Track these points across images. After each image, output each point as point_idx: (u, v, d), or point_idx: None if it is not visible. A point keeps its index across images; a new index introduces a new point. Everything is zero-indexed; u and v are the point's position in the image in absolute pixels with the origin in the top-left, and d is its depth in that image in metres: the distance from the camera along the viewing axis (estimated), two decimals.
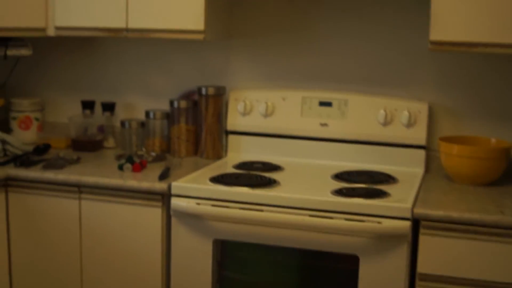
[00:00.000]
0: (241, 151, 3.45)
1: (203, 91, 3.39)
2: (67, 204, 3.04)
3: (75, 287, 3.09)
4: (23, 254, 3.15)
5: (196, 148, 3.46)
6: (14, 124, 3.66)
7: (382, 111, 3.24)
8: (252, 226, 2.79)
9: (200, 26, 3.09)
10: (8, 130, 3.64)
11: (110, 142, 3.61)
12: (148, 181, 2.94)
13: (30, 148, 3.40)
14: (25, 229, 3.12)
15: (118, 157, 3.32)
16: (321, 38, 3.38)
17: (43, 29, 3.34)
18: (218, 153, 3.43)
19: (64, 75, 3.79)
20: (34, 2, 3.29)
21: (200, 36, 3.12)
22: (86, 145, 3.51)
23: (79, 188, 3.02)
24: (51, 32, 3.35)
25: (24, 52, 3.49)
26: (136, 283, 2.99)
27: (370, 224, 2.65)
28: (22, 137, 3.61)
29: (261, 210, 2.77)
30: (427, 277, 2.65)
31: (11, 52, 3.46)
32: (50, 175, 3.05)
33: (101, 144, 3.58)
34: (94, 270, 3.05)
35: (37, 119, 3.68)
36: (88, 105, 3.65)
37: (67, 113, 3.70)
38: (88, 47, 3.72)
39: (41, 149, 3.41)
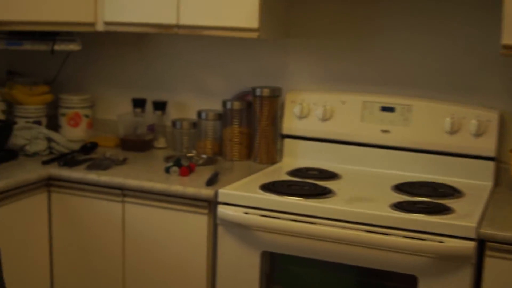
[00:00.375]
0: (296, 156, 3.26)
1: (258, 92, 3.22)
2: (110, 207, 2.91)
3: None
4: (65, 256, 3.03)
5: (249, 152, 3.29)
6: (63, 121, 3.54)
7: (448, 119, 3.01)
8: (303, 239, 2.60)
9: (254, 24, 2.91)
10: (57, 126, 3.53)
11: (160, 142, 3.46)
12: (195, 186, 2.78)
13: (76, 146, 3.28)
14: (67, 231, 3.00)
15: (167, 159, 3.17)
16: (384, 39, 3.17)
17: (92, 24, 3.22)
18: (272, 157, 3.25)
19: (115, 72, 3.66)
20: None
21: (254, 35, 2.95)
22: (135, 145, 3.37)
23: (123, 191, 2.88)
24: (100, 27, 3.22)
25: (73, 47, 3.37)
26: None
27: (430, 243, 2.44)
28: (71, 134, 3.50)
29: (313, 223, 2.58)
30: None
31: (59, 47, 3.35)
32: (93, 176, 2.91)
33: (151, 144, 3.43)
34: (136, 276, 2.91)
35: (86, 116, 3.56)
36: (139, 103, 3.50)
37: (117, 110, 3.57)
38: (140, 43, 3.58)
39: (88, 147, 3.29)
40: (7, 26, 3.17)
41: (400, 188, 2.85)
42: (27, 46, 3.34)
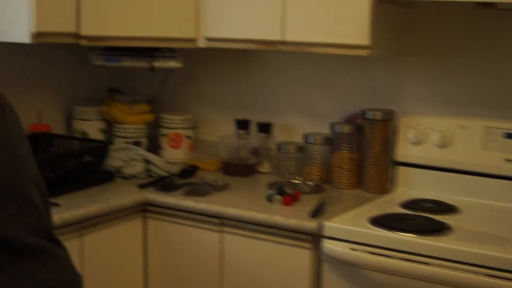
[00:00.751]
0: (410, 185, 2.99)
1: (369, 115, 2.97)
2: (208, 236, 2.72)
3: None
4: (160, 285, 2.86)
5: (359, 180, 3.04)
6: (163, 142, 3.39)
7: None
8: (415, 281, 2.34)
9: (365, 40, 2.67)
10: (157, 147, 3.38)
11: (265, 167, 3.26)
12: (298, 217, 2.56)
13: (176, 169, 3.11)
14: (162, 258, 2.84)
15: (270, 186, 2.96)
16: (509, 58, 2.86)
17: (193, 40, 3.06)
18: (384, 187, 2.99)
19: (217, 91, 3.48)
20: (184, 11, 3.03)
21: (365, 52, 2.71)
22: (237, 169, 3.18)
23: (221, 220, 2.68)
24: (201, 44, 3.06)
25: (174, 64, 3.22)
26: None
27: None
28: (172, 156, 3.34)
29: (428, 263, 2.31)
30: None
31: (159, 64, 3.20)
32: (190, 202, 2.74)
33: (254, 169, 3.23)
34: None
35: (188, 137, 3.39)
36: (242, 125, 3.31)
37: (220, 132, 3.39)
38: (243, 60, 3.39)
39: (188, 171, 3.11)
40: (105, 41, 3.07)
41: None
42: (126, 62, 3.21)
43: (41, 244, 1.85)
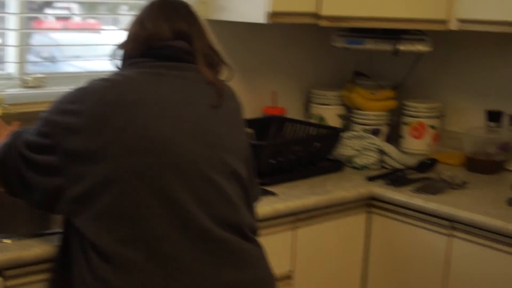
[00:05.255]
0: None
1: None
2: (435, 239, 2.44)
3: None
4: (379, 284, 2.63)
5: None
6: (405, 131, 3.12)
7: None
8: None
9: None
10: (397, 137, 3.12)
11: None
12: None
13: (413, 162, 2.83)
14: (384, 258, 2.61)
15: None
16: None
17: (444, 22, 2.78)
18: None
19: (469, 78, 3.13)
20: None
21: None
22: (482, 166, 2.83)
23: (451, 223, 2.38)
24: (453, 26, 2.76)
25: (421, 47, 2.94)
26: None
27: None
28: (412, 147, 3.09)
29: None
30: None
31: (405, 47, 2.93)
32: (419, 201, 2.46)
33: (502, 166, 2.86)
34: None
35: (433, 127, 3.09)
36: (493, 116, 2.94)
37: (469, 123, 3.04)
38: (501, 46, 3.01)
39: (425, 164, 2.82)
40: (347, 22, 2.88)
41: None
42: (369, 45, 2.99)
43: (225, 237, 1.72)
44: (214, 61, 1.88)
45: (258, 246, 1.81)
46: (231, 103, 1.90)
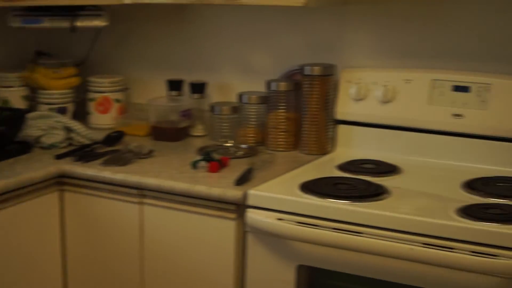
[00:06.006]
0: (351, 145, 2.76)
1: (308, 70, 2.73)
2: (127, 209, 2.49)
3: None
4: (79, 261, 2.64)
5: (296, 141, 2.81)
6: (91, 107, 3.14)
7: None
8: (347, 252, 2.12)
9: None
10: (85, 113, 3.13)
11: (198, 130, 3.02)
12: (222, 186, 2.33)
13: (100, 136, 2.86)
14: (81, 234, 2.61)
15: (200, 150, 2.73)
16: (459, 5, 2.62)
17: None
18: (324, 147, 2.77)
19: (149, 50, 3.23)
20: None
21: (300, 2, 2.47)
22: (167, 134, 2.94)
23: (141, 191, 2.45)
24: None
25: (98, 23, 2.98)
26: None
27: (505, 262, 1.91)
28: (100, 122, 3.12)
29: (360, 233, 2.09)
30: None
31: (82, 23, 2.95)
32: (107, 173, 2.50)
33: (186, 132, 2.99)
34: (155, 284, 2.50)
35: (117, 101, 3.15)
36: (174, 86, 3.06)
37: (153, 94, 3.13)
38: (175, 17, 3.13)
39: (112, 138, 2.87)
40: (20, 1, 2.82)
41: (471, 186, 2.33)
42: (46, 23, 2.97)
43: None
44: None
45: None
46: None
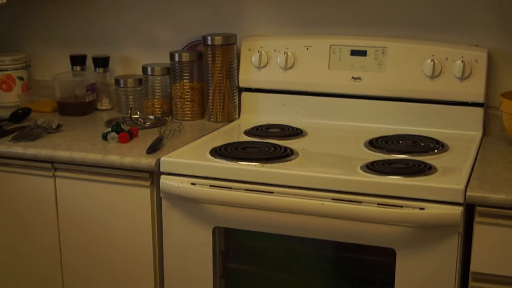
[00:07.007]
0: (256, 111, 2.86)
1: (209, 40, 2.79)
2: (41, 183, 2.51)
3: (54, 273, 2.57)
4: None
5: (203, 110, 2.88)
6: None
7: (429, 61, 2.61)
8: (260, 212, 2.22)
9: None
10: None
11: (104, 104, 3.05)
12: (134, 155, 2.38)
13: (6, 114, 2.86)
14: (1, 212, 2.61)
15: (108, 123, 2.76)
16: None
17: None
18: (229, 114, 2.85)
19: (50, 26, 3.21)
20: None
21: None
22: (73, 108, 2.95)
23: (53, 164, 2.47)
24: None
25: None
26: (123, 276, 2.47)
27: (409, 211, 2.05)
28: (4, 100, 3.10)
29: (271, 192, 2.18)
30: (483, 277, 2.05)
31: None
32: (19, 148, 2.50)
33: (93, 106, 3.01)
34: (73, 257, 2.53)
35: (21, 78, 3.13)
36: (77, 61, 3.08)
37: (56, 70, 3.14)
38: None
39: (19, 114, 2.87)
40: None
41: (374, 144, 2.46)
42: None
43: None
44: None
45: None
46: None
